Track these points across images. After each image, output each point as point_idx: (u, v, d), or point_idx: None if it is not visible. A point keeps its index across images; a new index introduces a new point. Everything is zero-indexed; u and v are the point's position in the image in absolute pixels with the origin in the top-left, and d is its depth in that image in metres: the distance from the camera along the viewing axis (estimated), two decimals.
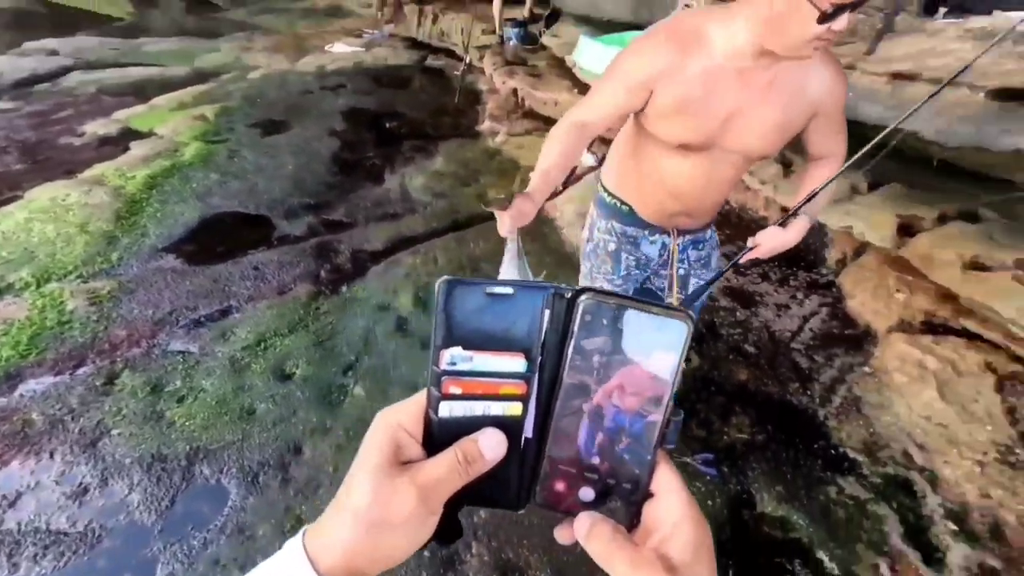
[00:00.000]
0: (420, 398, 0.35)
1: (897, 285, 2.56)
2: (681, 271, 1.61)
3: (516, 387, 0.34)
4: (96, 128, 5.01)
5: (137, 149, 4.54)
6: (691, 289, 1.61)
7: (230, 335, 2.61)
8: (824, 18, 0.97)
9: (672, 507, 0.34)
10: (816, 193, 1.28)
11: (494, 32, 5.87)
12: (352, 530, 0.32)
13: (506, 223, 1.02)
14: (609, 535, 0.33)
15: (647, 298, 0.33)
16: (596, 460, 0.34)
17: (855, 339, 2.56)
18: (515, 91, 4.91)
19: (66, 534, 1.81)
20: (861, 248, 2.71)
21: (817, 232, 2.95)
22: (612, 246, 1.61)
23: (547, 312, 0.33)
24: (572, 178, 4.00)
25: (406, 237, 3.46)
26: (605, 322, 0.32)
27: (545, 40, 5.39)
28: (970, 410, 2.12)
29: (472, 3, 6.01)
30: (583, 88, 4.37)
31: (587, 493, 0.35)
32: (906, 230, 2.28)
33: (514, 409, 0.34)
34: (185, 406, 2.25)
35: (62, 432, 2.14)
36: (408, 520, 0.32)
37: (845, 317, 2.69)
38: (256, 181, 4.09)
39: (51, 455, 2.06)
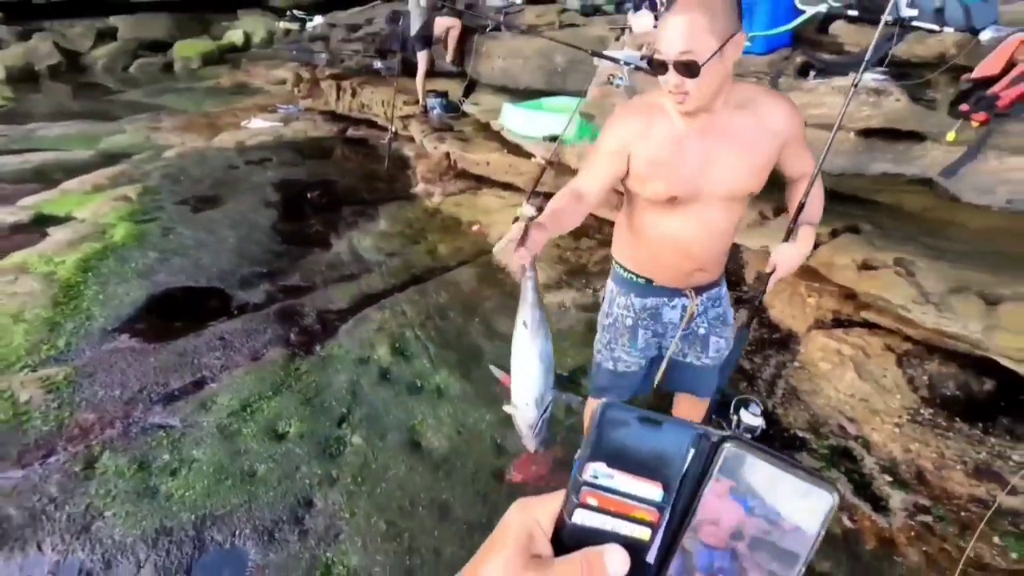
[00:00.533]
0: (556, 498, 0.37)
1: (808, 292, 3.06)
2: (701, 331, 1.70)
3: (649, 513, 0.35)
4: (3, 216, 4.72)
5: (58, 234, 4.33)
6: (711, 347, 1.71)
7: (211, 404, 2.58)
8: (654, 70, 1.27)
9: None
10: (803, 204, 1.51)
11: (417, 103, 6.26)
12: None
13: (523, 252, 1.16)
14: None
15: (795, 461, 0.34)
16: None
17: (782, 341, 3.01)
18: (447, 154, 5.25)
19: None
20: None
21: (735, 257, 3.44)
22: (629, 321, 1.69)
23: (692, 451, 0.34)
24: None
25: (368, 295, 3.57)
26: (745, 472, 0.33)
27: (466, 108, 5.84)
28: (882, 384, 2.57)
29: (391, 77, 6.39)
30: (512, 148, 4.79)
31: None
32: None
33: (642, 534, 0.35)
34: (180, 478, 2.21)
35: (47, 523, 2.02)
36: None
37: (771, 324, 3.14)
38: (199, 256, 4.05)
39: (39, 547, 1.94)
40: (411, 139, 6.14)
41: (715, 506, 0.33)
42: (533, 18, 5.50)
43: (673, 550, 0.35)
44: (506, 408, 1.24)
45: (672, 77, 1.25)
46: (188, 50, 13.33)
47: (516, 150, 4.80)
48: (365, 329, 3.17)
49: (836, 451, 2.37)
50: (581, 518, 0.35)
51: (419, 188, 5.40)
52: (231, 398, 2.62)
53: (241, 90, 10.81)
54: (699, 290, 1.64)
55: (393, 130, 5.98)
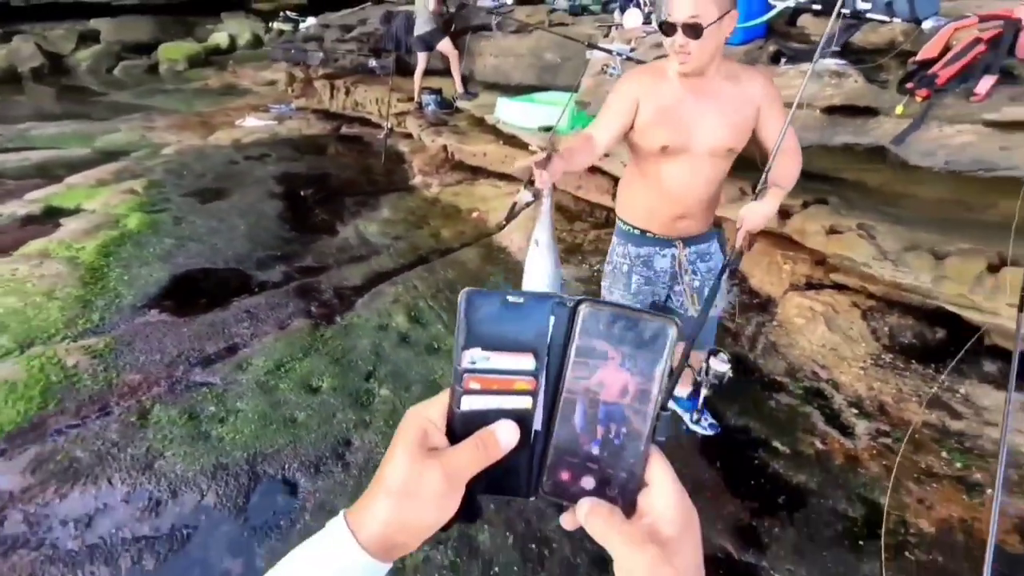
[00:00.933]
0: (444, 396, 0.39)
1: (783, 260, 3.39)
2: (696, 283, 1.95)
3: (527, 383, 0.37)
4: (14, 209, 4.87)
5: (72, 224, 4.50)
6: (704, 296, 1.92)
7: (247, 365, 2.82)
8: (664, 31, 1.57)
9: (663, 494, 0.37)
10: (769, 166, 1.71)
11: (411, 100, 6.51)
12: (387, 505, 0.36)
13: (544, 176, 1.36)
14: (607, 514, 0.36)
15: (638, 307, 0.37)
16: (596, 451, 0.37)
17: (762, 304, 3.34)
18: (445, 147, 5.52)
19: (155, 538, 1.95)
20: (753, 237, 3.54)
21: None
22: (625, 267, 1.97)
23: (552, 318, 0.37)
24: (513, 214, 4.62)
25: (380, 273, 3.83)
26: (601, 327, 0.36)
27: (460, 104, 6.12)
28: (849, 335, 2.91)
29: (385, 76, 6.64)
30: (507, 139, 5.08)
31: (588, 482, 0.38)
32: (784, 214, 3.13)
33: (525, 403, 0.38)
34: (228, 425, 2.44)
35: (113, 462, 2.24)
36: (435, 497, 0.36)
37: (751, 291, 3.47)
38: (214, 242, 4.26)
39: (109, 481, 2.16)
40: (406, 135, 6.40)
41: (632, 376, 0.37)
42: (523, 18, 5.80)
43: (554, 414, 0.38)
44: None
45: (679, 37, 1.54)
46: (173, 52, 13.39)
47: (511, 141, 5.09)
48: (381, 302, 3.43)
49: (810, 391, 2.69)
50: (468, 404, 0.38)
51: (417, 180, 5.66)
52: (265, 360, 2.85)
53: (230, 91, 10.94)
54: (687, 242, 1.91)
55: (389, 126, 6.23)
